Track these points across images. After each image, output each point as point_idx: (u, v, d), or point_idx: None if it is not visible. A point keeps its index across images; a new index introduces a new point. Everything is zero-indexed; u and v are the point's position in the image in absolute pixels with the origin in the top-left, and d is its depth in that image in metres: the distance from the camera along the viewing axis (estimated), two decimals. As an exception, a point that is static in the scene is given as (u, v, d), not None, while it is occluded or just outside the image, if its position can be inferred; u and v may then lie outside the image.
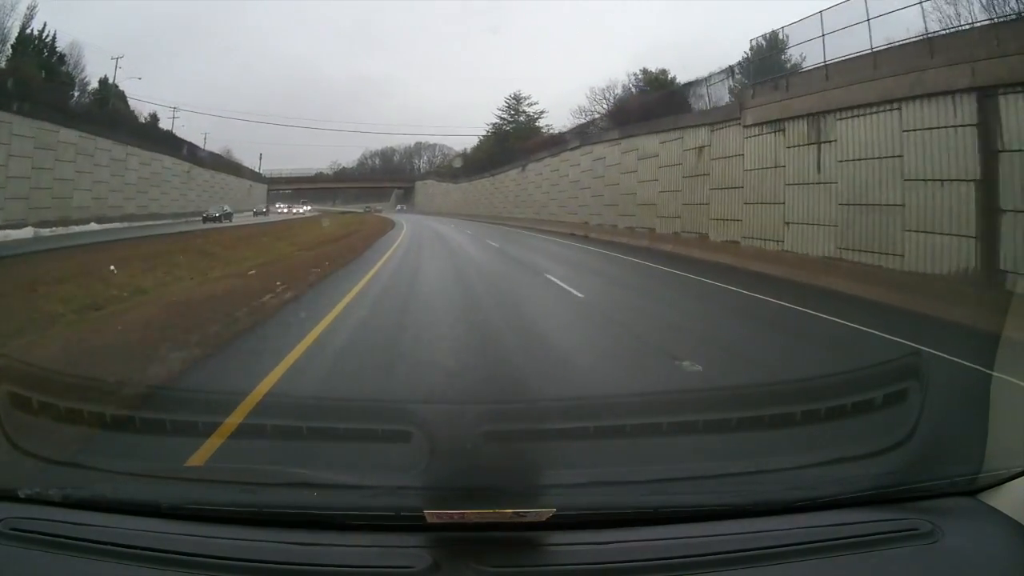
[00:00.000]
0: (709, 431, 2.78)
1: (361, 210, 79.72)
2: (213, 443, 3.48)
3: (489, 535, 1.64)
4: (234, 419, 3.78)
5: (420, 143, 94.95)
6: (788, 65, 19.75)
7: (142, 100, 65.56)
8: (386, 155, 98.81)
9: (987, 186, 10.64)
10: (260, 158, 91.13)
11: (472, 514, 1.63)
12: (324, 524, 1.72)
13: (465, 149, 76.00)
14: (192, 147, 52.61)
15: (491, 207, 57.12)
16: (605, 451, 3.39)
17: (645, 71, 40.09)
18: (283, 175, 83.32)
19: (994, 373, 4.40)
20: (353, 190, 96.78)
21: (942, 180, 11.53)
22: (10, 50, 34.65)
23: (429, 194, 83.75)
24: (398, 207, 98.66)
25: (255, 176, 75.89)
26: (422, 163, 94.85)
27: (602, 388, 5.81)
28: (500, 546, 1.63)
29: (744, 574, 1.55)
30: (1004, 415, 2.53)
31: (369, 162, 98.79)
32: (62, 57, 39.31)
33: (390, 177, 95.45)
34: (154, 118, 52.77)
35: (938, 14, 14.10)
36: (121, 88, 44.97)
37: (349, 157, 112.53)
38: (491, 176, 58.02)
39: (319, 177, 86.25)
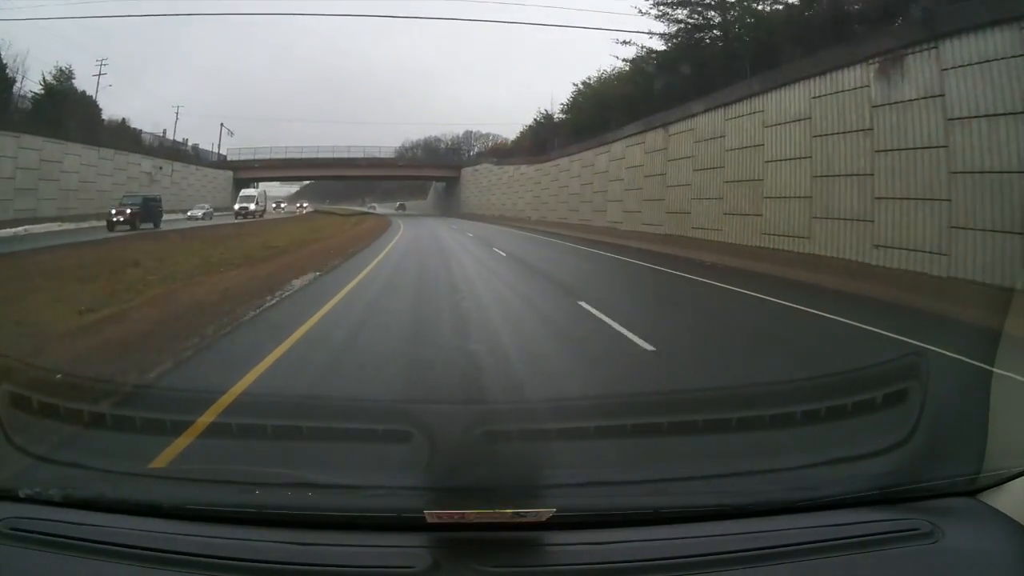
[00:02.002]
0: (709, 431, 2.78)
1: (366, 209, 75.64)
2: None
3: (489, 535, 1.64)
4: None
5: (470, 132, 74.94)
6: None
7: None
8: (430, 145, 78.03)
9: None
10: (221, 129, 67.27)
11: (472, 514, 1.63)
12: (324, 524, 1.72)
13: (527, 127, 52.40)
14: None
15: (645, 213, 24.61)
16: (605, 451, 3.39)
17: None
18: (257, 158, 52.85)
19: (995, 370, 4.40)
20: (387, 183, 78.75)
21: None
22: None
23: (481, 186, 56.43)
24: (397, 205, 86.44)
25: (191, 156, 47.53)
26: (472, 154, 71.03)
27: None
28: (500, 546, 1.63)
29: (744, 574, 1.55)
30: (1004, 414, 2.53)
31: (409, 153, 76.36)
32: None
33: (429, 164, 71.98)
34: (64, 71, 34.13)
35: None
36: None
37: (390, 147, 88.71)
38: (620, 139, 27.28)
39: (316, 161, 55.81)
